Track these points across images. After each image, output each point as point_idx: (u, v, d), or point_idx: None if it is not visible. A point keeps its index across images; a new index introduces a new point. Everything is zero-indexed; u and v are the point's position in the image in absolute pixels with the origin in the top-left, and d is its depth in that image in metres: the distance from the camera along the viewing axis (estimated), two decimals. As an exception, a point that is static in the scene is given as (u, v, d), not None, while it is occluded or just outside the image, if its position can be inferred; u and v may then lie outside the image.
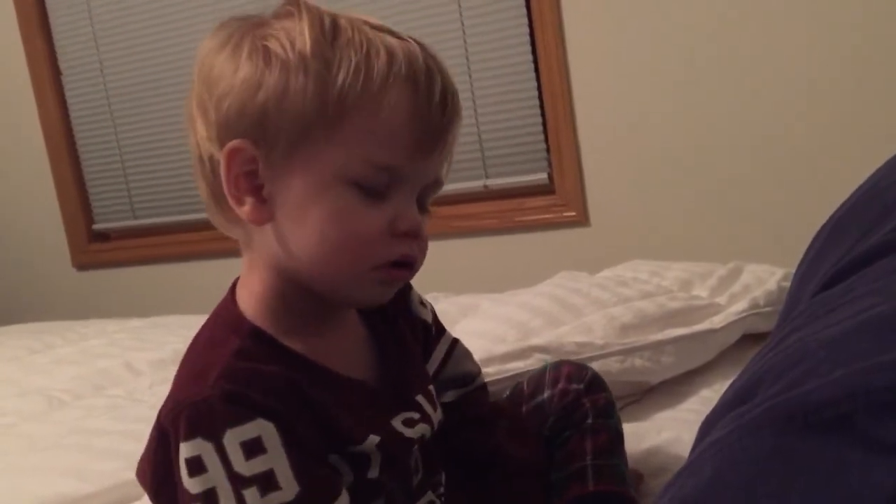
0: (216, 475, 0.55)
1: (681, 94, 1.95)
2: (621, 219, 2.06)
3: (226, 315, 0.64)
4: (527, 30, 2.05)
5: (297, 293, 0.62)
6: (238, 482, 0.55)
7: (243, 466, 0.55)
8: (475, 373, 0.81)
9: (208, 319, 0.65)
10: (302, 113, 0.57)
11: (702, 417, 1.03)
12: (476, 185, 2.16)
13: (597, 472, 0.77)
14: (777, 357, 0.43)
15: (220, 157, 0.59)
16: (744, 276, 1.20)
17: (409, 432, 0.65)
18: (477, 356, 0.84)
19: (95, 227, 2.68)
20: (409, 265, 0.62)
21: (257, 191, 0.59)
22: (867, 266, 0.50)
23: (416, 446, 0.67)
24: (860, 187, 0.70)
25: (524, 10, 2.05)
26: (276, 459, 0.56)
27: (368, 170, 0.58)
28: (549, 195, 2.13)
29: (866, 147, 1.74)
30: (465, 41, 2.11)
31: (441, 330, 0.80)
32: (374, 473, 0.62)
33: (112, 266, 2.69)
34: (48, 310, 2.57)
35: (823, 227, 0.70)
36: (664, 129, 1.98)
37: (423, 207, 0.64)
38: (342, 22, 0.60)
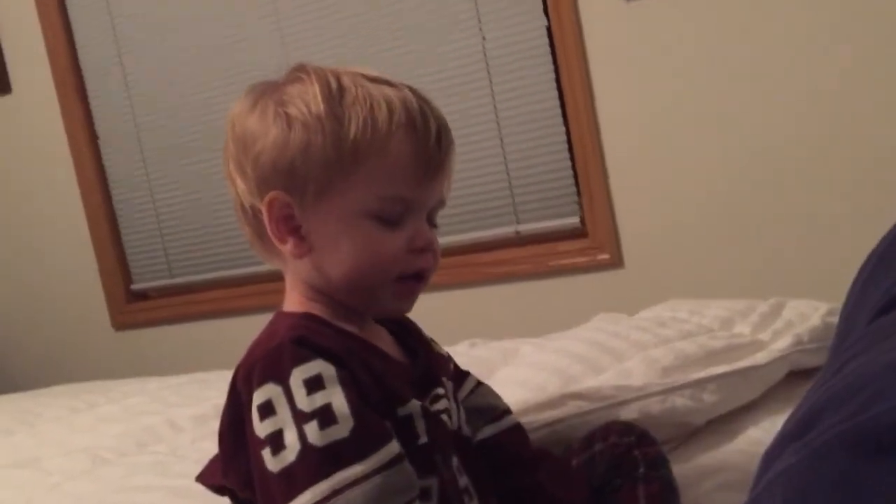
0: (283, 416, 0.62)
1: (710, 133, 1.95)
2: (655, 259, 2.04)
3: (278, 318, 0.73)
4: (553, 76, 2.07)
5: (332, 305, 0.73)
6: (300, 418, 0.62)
7: (304, 402, 0.62)
8: (503, 407, 0.85)
9: (262, 330, 0.73)
10: (324, 164, 0.69)
11: (752, 458, 1.01)
12: (508, 230, 2.17)
13: None
14: (838, 385, 0.42)
15: (262, 207, 0.70)
16: (786, 311, 1.18)
17: (434, 406, 0.73)
18: (514, 408, 0.86)
19: (134, 286, 2.72)
20: (423, 276, 0.73)
21: (296, 230, 0.71)
22: (923, 290, 0.50)
23: (446, 419, 0.74)
24: (903, 216, 0.69)
25: (549, 57, 2.07)
26: (334, 395, 0.63)
27: (384, 204, 0.70)
28: (581, 238, 2.12)
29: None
30: (492, 90, 2.14)
31: (466, 373, 0.87)
32: (423, 439, 0.69)
33: (150, 325, 2.73)
34: (88, 371, 2.60)
35: (870, 257, 0.69)
36: (694, 168, 1.97)
37: (431, 223, 0.75)
38: (345, 81, 0.71)
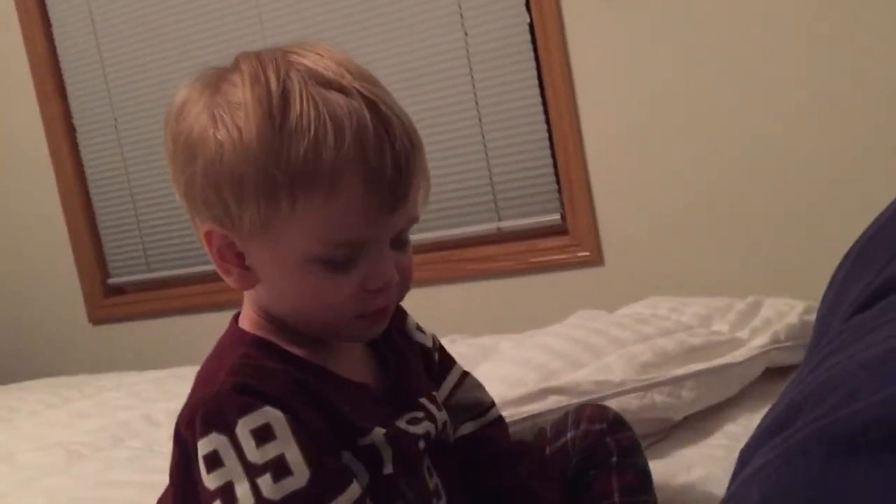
0: (232, 467, 0.58)
1: (691, 131, 1.96)
2: (636, 257, 2.05)
3: (229, 335, 0.69)
4: (535, 72, 2.07)
5: (287, 328, 0.67)
6: (252, 471, 0.58)
7: (255, 454, 0.58)
8: (488, 402, 0.83)
9: (213, 349, 0.69)
10: (257, 200, 0.60)
11: (729, 453, 1.02)
12: (489, 227, 2.17)
13: None
14: (816, 381, 0.43)
15: (200, 237, 0.65)
16: (764, 309, 1.19)
17: (413, 429, 0.69)
18: (495, 401, 0.84)
19: (111, 281, 2.70)
20: (386, 310, 0.67)
21: (240, 260, 0.65)
22: (899, 288, 0.50)
23: (422, 443, 0.70)
24: (881, 215, 0.69)
25: (531, 54, 2.07)
26: (286, 445, 0.59)
27: (329, 249, 0.62)
28: (562, 235, 2.13)
29: (886, 181, 1.74)
30: (473, 86, 2.14)
31: (452, 362, 0.83)
32: (388, 469, 0.65)
33: (127, 320, 2.70)
34: (64, 366, 2.57)
35: (847, 254, 0.70)
36: (675, 166, 1.98)
37: (401, 244, 0.67)
38: (292, 88, 0.60)
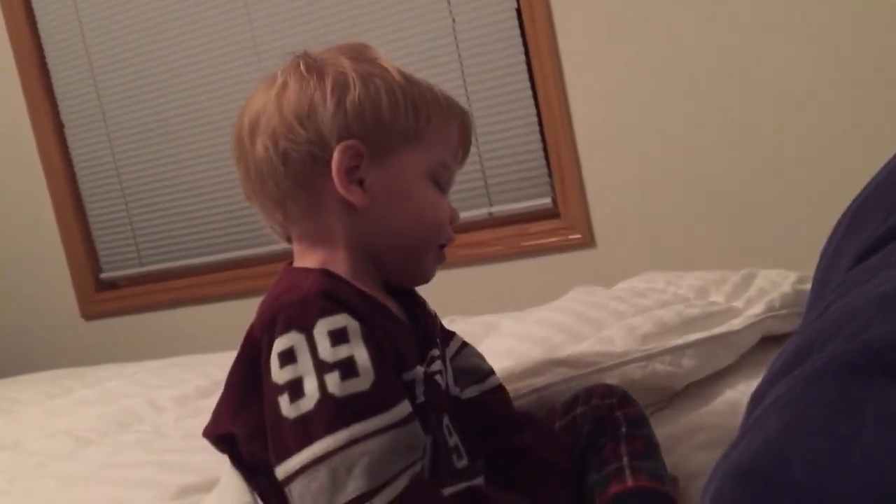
0: (304, 364, 0.63)
1: (680, 112, 1.98)
2: (627, 238, 2.08)
3: (295, 273, 0.74)
4: (523, 57, 2.09)
5: (358, 266, 0.75)
6: (322, 367, 0.63)
7: (328, 353, 0.63)
8: (487, 369, 0.87)
9: (277, 281, 0.74)
10: (402, 129, 0.75)
11: (729, 419, 1.04)
12: (481, 212, 2.19)
13: (634, 471, 0.78)
14: (826, 321, 0.45)
15: (335, 153, 0.73)
16: (757, 280, 1.21)
17: (429, 368, 0.75)
18: (500, 376, 0.87)
19: (103, 275, 2.69)
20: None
21: (360, 182, 0.74)
22: (900, 236, 0.52)
23: (439, 378, 0.76)
24: (875, 177, 0.72)
25: (519, 39, 2.09)
26: (358, 349, 0.64)
27: (441, 169, 0.78)
28: (553, 219, 2.15)
29: (871, 153, 1.77)
30: (462, 72, 2.15)
31: (451, 332, 0.89)
32: (420, 399, 0.70)
33: (120, 314, 2.70)
34: (57, 362, 2.55)
35: (844, 215, 0.72)
36: (665, 147, 2.01)
37: None
38: (405, 71, 0.79)
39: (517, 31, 2.09)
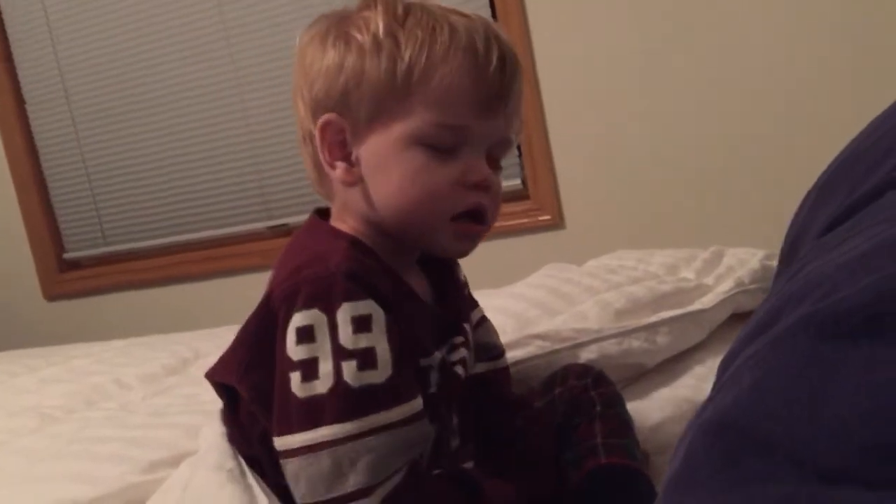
0: (322, 345, 0.61)
1: (649, 94, 1.99)
2: (596, 220, 2.09)
3: (321, 226, 0.72)
4: (495, 39, 2.08)
5: (383, 238, 0.71)
6: (340, 354, 0.61)
7: (349, 339, 0.61)
8: (501, 348, 0.86)
9: (297, 233, 0.72)
10: (378, 86, 0.66)
11: (697, 393, 1.05)
12: (451, 193, 2.18)
13: (608, 448, 0.80)
14: (795, 286, 0.45)
15: (315, 131, 0.69)
16: (726, 258, 1.23)
17: (451, 356, 0.72)
18: None
19: (66, 255, 2.65)
20: (482, 217, 0.70)
21: (347, 157, 0.69)
22: (869, 205, 0.53)
23: (459, 368, 0.73)
24: (842, 152, 0.73)
25: (489, 13, 2.08)
26: (379, 340, 0.62)
27: (437, 130, 0.67)
28: (523, 200, 2.16)
29: (838, 129, 1.79)
30: (434, 52, 2.14)
31: (475, 302, 0.86)
32: (433, 389, 0.68)
33: (84, 295, 2.66)
34: (19, 344, 2.51)
35: (810, 191, 0.73)
36: (634, 129, 2.02)
37: (494, 164, 0.71)
38: (413, 5, 0.69)
39: (488, 12, 2.09)
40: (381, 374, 0.61)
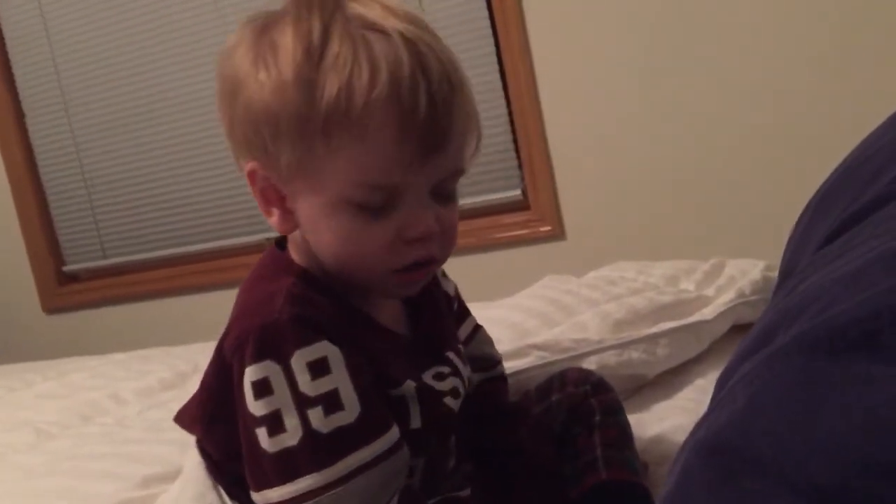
0: (282, 396, 0.58)
1: (649, 105, 1.99)
2: (597, 230, 2.08)
3: (275, 260, 0.67)
4: (493, 49, 2.09)
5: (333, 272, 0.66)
6: (304, 403, 0.58)
7: (309, 387, 0.58)
8: (497, 358, 0.84)
9: (254, 268, 0.69)
10: (293, 138, 0.59)
11: (698, 405, 1.04)
12: (451, 204, 2.18)
13: (607, 462, 0.78)
14: (791, 302, 0.45)
15: (244, 175, 0.64)
16: (727, 269, 1.22)
17: (438, 385, 0.69)
18: None
19: (65, 268, 2.64)
20: (428, 264, 0.64)
21: (282, 202, 0.64)
22: (867, 218, 0.53)
23: (448, 399, 0.69)
24: (839, 166, 0.72)
25: (490, 31, 2.09)
26: (341, 380, 0.59)
27: (365, 191, 0.60)
28: (524, 211, 2.15)
29: (836, 141, 1.79)
30: (433, 63, 2.14)
31: (467, 312, 0.84)
32: (416, 424, 0.65)
33: (83, 308, 2.65)
34: (18, 357, 2.50)
35: (809, 203, 0.72)
36: (634, 139, 2.02)
37: (444, 197, 0.64)
38: (332, 25, 0.60)
39: (488, 23, 2.09)
40: (349, 413, 0.59)
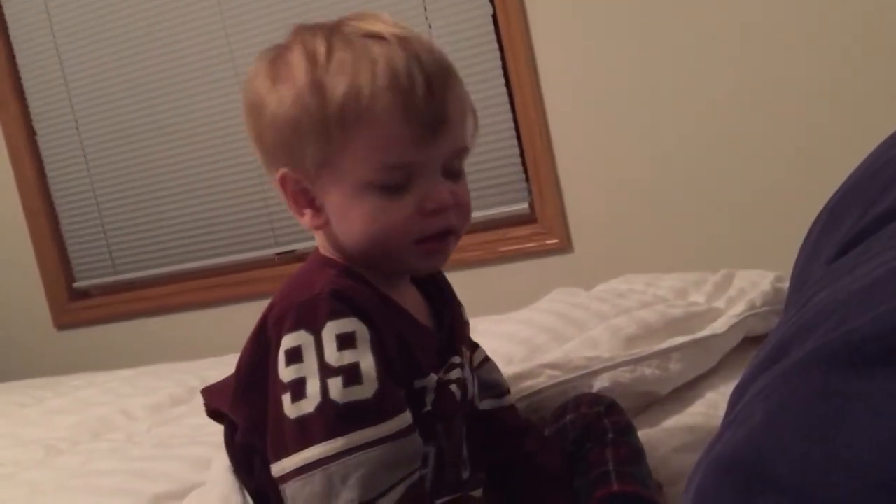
0: (309, 365, 0.63)
1: (656, 117, 1.99)
2: (604, 243, 2.08)
3: (316, 261, 0.73)
4: (499, 63, 2.09)
5: (365, 265, 0.72)
6: (326, 372, 0.62)
7: (333, 357, 0.63)
8: (506, 386, 0.87)
9: (296, 273, 0.73)
10: (315, 137, 0.68)
11: (710, 419, 1.04)
12: (459, 218, 2.18)
13: (619, 475, 0.79)
14: (806, 315, 0.44)
15: (276, 184, 0.72)
16: (737, 280, 1.22)
17: (448, 375, 0.73)
18: None
19: (76, 284, 2.65)
20: (448, 233, 0.71)
21: (312, 202, 0.71)
22: (879, 230, 0.52)
23: (454, 388, 0.74)
24: (851, 175, 0.72)
25: (496, 45, 2.09)
26: (364, 357, 0.63)
27: (383, 173, 0.68)
28: (531, 224, 2.15)
29: (846, 151, 1.78)
30: (440, 78, 2.14)
31: (476, 343, 0.88)
32: (427, 408, 0.70)
33: (94, 324, 2.66)
34: (29, 373, 2.51)
35: (821, 213, 0.72)
36: (641, 152, 2.01)
37: (454, 175, 0.72)
38: (334, 39, 0.69)
39: (493, 37, 2.09)
40: (367, 389, 0.62)
